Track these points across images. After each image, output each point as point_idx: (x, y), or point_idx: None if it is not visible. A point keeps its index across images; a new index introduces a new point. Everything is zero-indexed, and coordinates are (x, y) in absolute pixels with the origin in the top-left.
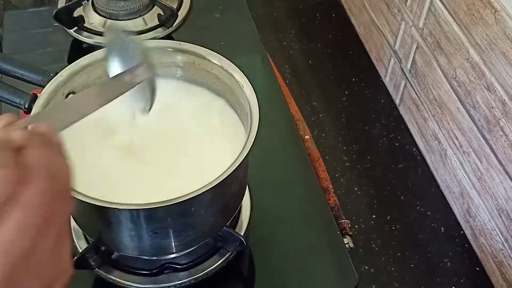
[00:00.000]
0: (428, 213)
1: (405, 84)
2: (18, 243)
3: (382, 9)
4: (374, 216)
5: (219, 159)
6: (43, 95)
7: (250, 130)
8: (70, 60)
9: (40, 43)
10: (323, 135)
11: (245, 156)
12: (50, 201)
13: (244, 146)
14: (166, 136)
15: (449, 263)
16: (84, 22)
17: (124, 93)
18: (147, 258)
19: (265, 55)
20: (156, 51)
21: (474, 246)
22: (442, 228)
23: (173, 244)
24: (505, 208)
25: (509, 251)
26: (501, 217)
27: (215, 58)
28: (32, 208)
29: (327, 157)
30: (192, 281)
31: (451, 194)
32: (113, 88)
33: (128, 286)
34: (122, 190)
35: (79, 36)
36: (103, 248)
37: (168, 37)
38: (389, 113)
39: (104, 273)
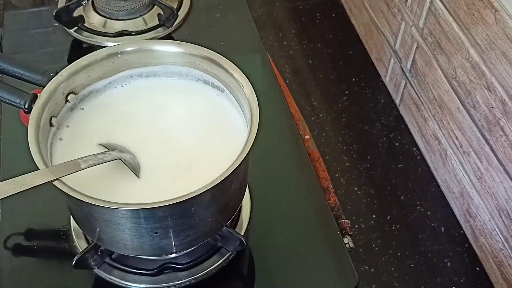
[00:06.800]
0: (428, 213)
1: (405, 84)
2: None
3: (382, 9)
4: (374, 216)
5: (219, 159)
6: (43, 95)
7: (250, 130)
8: (70, 60)
9: (40, 43)
10: (323, 135)
11: (245, 156)
12: None
13: (244, 146)
14: (166, 135)
15: (449, 263)
16: (84, 22)
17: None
18: (147, 258)
19: (265, 55)
20: (156, 51)
21: (474, 246)
22: (442, 228)
23: (173, 244)
24: (505, 208)
25: (509, 251)
26: (501, 217)
27: (215, 58)
28: None
29: (327, 157)
30: (192, 281)
31: (451, 194)
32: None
33: (128, 286)
34: (122, 190)
35: (79, 36)
36: (103, 248)
37: (168, 37)
38: (389, 113)
39: (104, 273)
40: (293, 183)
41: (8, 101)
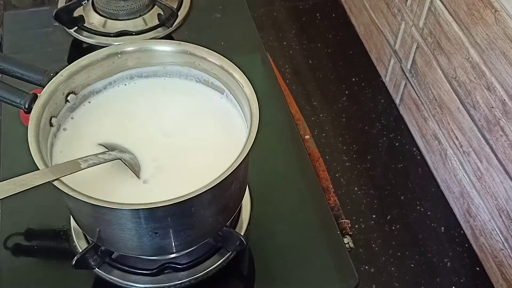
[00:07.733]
0: (428, 213)
1: (405, 84)
2: None
3: (382, 9)
4: (374, 216)
5: (219, 159)
6: (43, 95)
7: (250, 130)
8: (70, 60)
9: (40, 43)
10: (323, 135)
11: (245, 156)
12: None
13: (244, 146)
14: (166, 135)
15: (449, 263)
16: (84, 22)
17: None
18: (147, 258)
19: (265, 55)
20: (156, 51)
21: (474, 246)
22: (442, 228)
23: (173, 244)
24: (505, 208)
25: (509, 251)
26: (501, 217)
27: (215, 58)
28: None
29: (327, 157)
30: (192, 281)
31: (451, 194)
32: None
33: (128, 286)
34: (122, 190)
35: (79, 36)
36: (103, 248)
37: (168, 37)
38: (389, 113)
39: (104, 273)
40: (293, 183)
41: (8, 101)
